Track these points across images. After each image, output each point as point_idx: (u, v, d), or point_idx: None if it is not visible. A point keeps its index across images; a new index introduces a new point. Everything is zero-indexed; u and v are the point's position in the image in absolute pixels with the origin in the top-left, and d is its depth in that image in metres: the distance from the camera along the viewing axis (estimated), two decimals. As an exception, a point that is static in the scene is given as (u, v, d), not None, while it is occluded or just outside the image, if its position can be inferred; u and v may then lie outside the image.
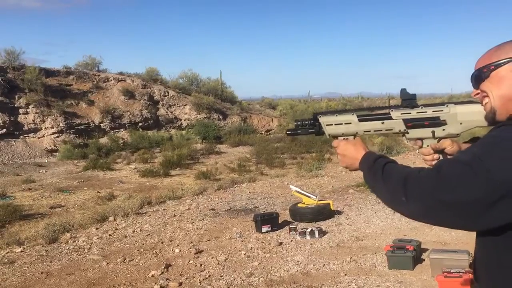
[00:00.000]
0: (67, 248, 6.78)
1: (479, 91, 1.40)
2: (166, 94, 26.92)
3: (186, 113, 26.77)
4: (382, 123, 1.65)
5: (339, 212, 7.94)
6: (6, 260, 6.28)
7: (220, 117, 27.18)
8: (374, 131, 1.69)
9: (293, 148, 19.17)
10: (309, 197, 7.83)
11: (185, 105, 26.94)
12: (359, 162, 1.56)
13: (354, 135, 1.69)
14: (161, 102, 26.46)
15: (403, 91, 1.63)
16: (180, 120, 26.60)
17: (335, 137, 1.72)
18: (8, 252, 6.67)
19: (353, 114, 1.70)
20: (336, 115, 1.72)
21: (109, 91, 25.31)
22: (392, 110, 1.64)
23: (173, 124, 26.25)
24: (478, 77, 1.38)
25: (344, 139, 1.69)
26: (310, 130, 1.79)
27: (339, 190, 10.13)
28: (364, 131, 1.69)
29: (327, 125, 1.72)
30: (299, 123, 1.82)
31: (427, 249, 5.60)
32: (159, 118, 25.85)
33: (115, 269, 5.77)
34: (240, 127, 25.94)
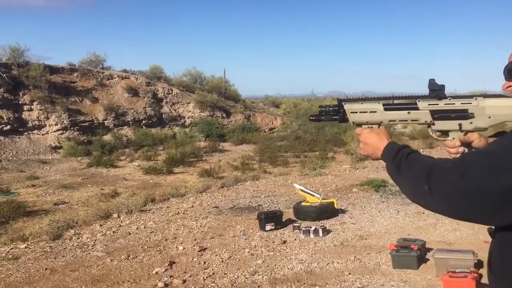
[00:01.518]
0: (71, 244, 6.79)
1: (511, 83, 1.38)
2: (170, 91, 26.94)
3: (189, 111, 26.78)
4: (408, 113, 1.61)
5: (343, 211, 7.93)
6: (11, 256, 6.30)
7: (224, 115, 27.18)
8: (400, 120, 1.65)
9: (296, 147, 19.16)
10: (313, 195, 7.81)
11: (189, 103, 26.95)
12: (381, 152, 1.52)
13: (379, 124, 1.65)
14: (164, 100, 26.48)
15: (431, 81, 1.58)
16: (184, 118, 26.61)
17: (359, 125, 1.67)
18: (13, 248, 6.69)
19: (378, 102, 1.66)
20: (362, 103, 1.67)
21: (113, 88, 25.34)
22: (419, 101, 1.60)
23: (176, 122, 26.27)
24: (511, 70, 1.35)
25: (368, 127, 1.65)
26: (334, 117, 1.75)
27: (343, 188, 10.11)
28: (389, 121, 1.65)
29: (351, 112, 1.67)
30: (323, 109, 1.78)
31: (431, 249, 5.58)
32: (163, 115, 25.88)
33: (119, 266, 5.77)
34: (243, 125, 25.93)
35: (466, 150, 1.57)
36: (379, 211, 7.87)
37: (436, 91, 1.58)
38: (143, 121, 24.65)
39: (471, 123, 1.54)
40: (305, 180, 11.66)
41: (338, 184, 10.83)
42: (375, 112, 1.65)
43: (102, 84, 25.11)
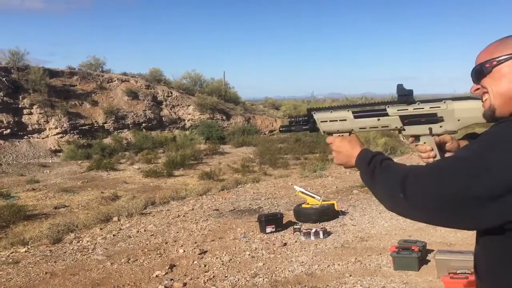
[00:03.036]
0: (71, 248, 6.78)
1: (479, 86, 1.36)
2: (170, 94, 26.95)
3: (189, 114, 26.78)
4: (378, 119, 1.61)
5: (343, 213, 7.92)
6: (11, 260, 6.29)
7: (224, 117, 27.18)
8: (370, 128, 1.65)
9: (296, 149, 19.14)
10: (313, 197, 7.81)
11: (189, 105, 26.96)
12: (355, 160, 1.51)
13: (350, 132, 1.65)
14: (164, 103, 26.48)
15: (399, 86, 1.58)
16: (184, 120, 26.61)
17: (330, 133, 1.67)
18: (13, 252, 6.68)
19: (348, 110, 1.65)
20: (331, 112, 1.67)
21: (112, 91, 25.34)
22: (388, 107, 1.60)
23: (176, 124, 26.26)
24: (479, 72, 1.33)
25: (339, 135, 1.64)
26: (304, 127, 1.75)
27: (343, 190, 10.10)
28: (360, 128, 1.64)
29: (321, 121, 1.68)
30: (292, 119, 1.77)
31: (432, 250, 5.57)
32: (163, 118, 25.87)
33: (119, 269, 5.76)
34: (243, 127, 25.92)
35: (438, 154, 1.57)
36: (380, 213, 7.86)
37: (405, 95, 1.58)
38: (143, 124, 24.65)
39: (441, 126, 1.55)
40: (305, 182, 11.65)
41: (338, 186, 10.82)
42: (345, 120, 1.65)
43: (102, 87, 25.11)
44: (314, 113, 1.70)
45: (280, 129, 1.86)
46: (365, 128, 1.64)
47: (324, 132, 1.69)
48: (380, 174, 1.35)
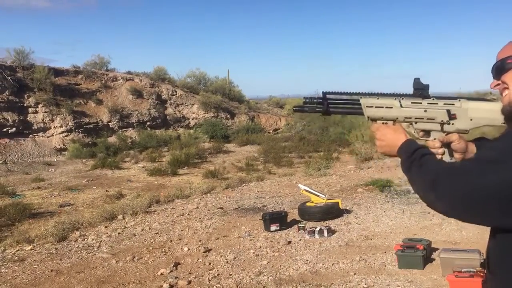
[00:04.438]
0: (77, 246, 6.81)
1: (499, 82, 1.37)
2: (174, 93, 26.98)
3: (194, 112, 26.81)
4: (425, 111, 1.59)
5: (348, 211, 7.91)
6: (16, 258, 6.33)
7: (228, 116, 27.19)
8: (415, 118, 1.63)
9: (301, 147, 19.13)
10: (317, 196, 7.80)
11: (193, 104, 26.98)
12: (398, 149, 1.52)
13: (394, 120, 1.64)
14: (169, 101, 26.52)
15: (416, 80, 1.59)
16: (188, 119, 26.64)
17: (374, 120, 1.67)
18: (18, 250, 6.71)
19: (395, 99, 1.64)
20: (378, 98, 1.66)
21: (117, 90, 25.40)
22: (402, 99, 1.61)
23: (181, 123, 26.30)
24: (500, 68, 1.34)
25: (383, 123, 1.64)
26: (317, 109, 1.75)
27: (348, 189, 10.09)
28: (405, 118, 1.63)
29: (367, 106, 1.67)
30: (307, 100, 1.78)
31: (437, 249, 5.56)
32: (167, 117, 25.91)
33: (124, 267, 5.78)
34: (247, 126, 25.92)
35: (446, 151, 1.57)
36: (384, 211, 7.84)
37: (420, 90, 1.59)
38: (148, 123, 24.70)
39: (452, 124, 1.55)
40: (309, 180, 11.64)
41: (343, 184, 10.81)
42: (391, 108, 1.64)
43: (107, 86, 25.17)
44: (361, 97, 1.69)
45: (294, 108, 1.88)
46: (411, 118, 1.63)
47: (368, 117, 1.68)
48: (417, 170, 1.38)
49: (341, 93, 1.72)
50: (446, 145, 1.58)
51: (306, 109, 1.79)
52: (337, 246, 6.22)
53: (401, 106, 1.61)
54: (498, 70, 1.36)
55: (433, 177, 1.29)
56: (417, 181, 1.37)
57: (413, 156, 1.42)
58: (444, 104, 1.55)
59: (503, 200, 1.17)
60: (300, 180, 11.72)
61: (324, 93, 1.74)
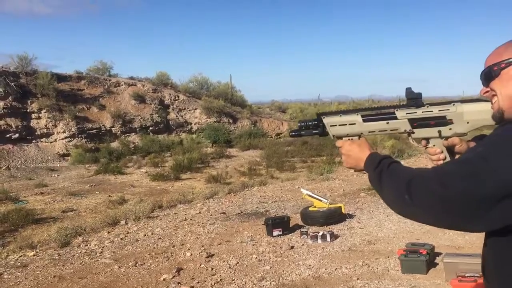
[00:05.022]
0: (79, 251, 6.81)
1: (488, 89, 1.37)
2: (177, 98, 27.04)
3: (196, 117, 26.85)
4: (387, 123, 1.63)
5: (350, 216, 7.89)
6: (19, 263, 6.33)
7: (230, 120, 27.22)
8: (379, 131, 1.66)
9: (303, 152, 19.12)
10: (320, 200, 7.78)
11: (195, 109, 27.03)
12: (364, 163, 1.53)
13: (359, 135, 1.66)
14: (171, 106, 26.58)
15: (408, 90, 1.60)
16: (190, 124, 26.69)
17: (340, 137, 1.69)
18: (21, 255, 6.72)
19: (357, 114, 1.67)
20: (340, 116, 1.69)
21: (120, 95, 25.48)
22: (397, 110, 1.62)
23: (183, 128, 26.34)
24: (488, 75, 1.34)
25: (348, 139, 1.66)
26: (314, 131, 1.77)
27: (351, 193, 10.07)
28: (369, 132, 1.66)
29: (331, 126, 1.70)
30: (302, 124, 1.80)
31: (440, 253, 5.53)
32: (170, 122, 25.96)
33: (127, 272, 5.78)
34: (250, 130, 25.94)
35: (448, 156, 1.57)
36: (387, 216, 7.82)
37: (414, 99, 1.60)
38: (150, 128, 24.75)
39: (450, 129, 1.56)
40: (312, 185, 11.63)
41: (345, 188, 10.79)
42: (354, 124, 1.67)
43: (109, 91, 25.25)
44: (324, 117, 1.72)
45: (290, 133, 1.88)
46: (374, 131, 1.66)
47: (333, 136, 1.71)
48: (387, 177, 1.37)
49: (336, 113, 1.73)
50: (448, 149, 1.58)
51: (303, 133, 1.81)
52: (340, 251, 6.20)
53: (397, 117, 1.62)
54: (486, 77, 1.35)
55: (407, 181, 1.27)
56: (390, 188, 1.35)
57: (380, 167, 1.41)
58: (439, 110, 1.56)
59: (474, 203, 1.15)
60: (303, 184, 11.71)
61: (318, 115, 1.75)
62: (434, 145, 1.60)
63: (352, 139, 1.66)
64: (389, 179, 1.36)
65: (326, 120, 1.70)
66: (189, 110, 27.02)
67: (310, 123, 1.77)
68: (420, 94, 1.60)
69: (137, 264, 6.04)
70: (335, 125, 1.69)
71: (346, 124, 1.67)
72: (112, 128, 23.39)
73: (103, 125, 23.21)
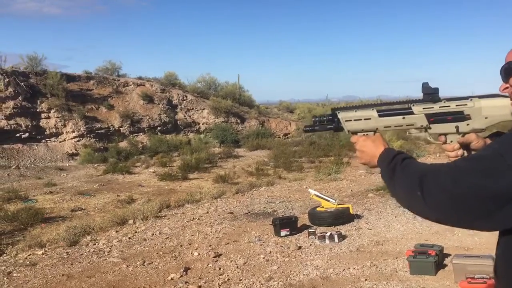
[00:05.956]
0: (88, 250, 6.84)
1: (508, 85, 1.35)
2: (185, 98, 27.10)
3: (204, 117, 26.90)
4: (403, 118, 1.60)
5: (358, 216, 7.85)
6: (28, 262, 6.37)
7: (238, 121, 27.23)
8: (395, 126, 1.63)
9: (311, 152, 19.07)
10: (328, 201, 7.76)
11: (203, 109, 27.08)
12: (377, 158, 1.51)
13: (374, 131, 1.64)
14: (179, 106, 26.65)
15: (425, 85, 1.57)
16: (198, 124, 26.74)
17: (355, 133, 1.66)
18: (30, 254, 6.77)
19: (373, 109, 1.65)
20: (356, 111, 1.66)
21: (128, 95, 25.59)
22: (413, 105, 1.59)
23: (191, 128, 26.40)
24: (509, 70, 1.33)
25: (363, 135, 1.64)
26: (328, 126, 1.74)
27: (359, 194, 10.03)
28: (384, 127, 1.63)
29: (346, 121, 1.67)
30: (317, 119, 1.77)
31: (449, 254, 5.49)
32: (178, 122, 26.03)
33: (134, 272, 5.80)
34: (258, 131, 25.93)
35: (465, 153, 1.55)
36: (396, 216, 7.78)
37: (430, 94, 1.57)
38: (158, 128, 24.83)
39: (468, 124, 1.53)
40: (320, 185, 11.60)
41: (353, 189, 10.75)
42: (370, 119, 1.64)
43: (118, 91, 25.38)
44: (339, 112, 1.69)
45: (304, 129, 1.85)
46: (390, 126, 1.63)
47: (348, 131, 1.68)
48: (400, 172, 1.35)
49: (351, 108, 1.71)
50: (465, 146, 1.56)
51: (317, 128, 1.78)
52: (347, 252, 6.17)
53: (413, 112, 1.59)
54: (506, 72, 1.34)
55: (420, 176, 1.25)
56: (402, 183, 1.33)
57: (393, 162, 1.39)
58: (456, 105, 1.53)
59: (486, 200, 1.13)
60: (311, 185, 11.68)
61: (333, 110, 1.73)
62: (451, 141, 1.57)
63: (367, 134, 1.63)
64: (402, 174, 1.34)
65: (341, 115, 1.68)
66: (197, 110, 27.07)
67: (325, 118, 1.75)
68: (437, 89, 1.57)
69: (145, 263, 6.06)
70: (350, 120, 1.66)
71: (361, 119, 1.65)
72: (121, 128, 23.50)
73: (111, 125, 23.33)
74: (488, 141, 1.56)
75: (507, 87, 1.36)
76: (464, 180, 1.16)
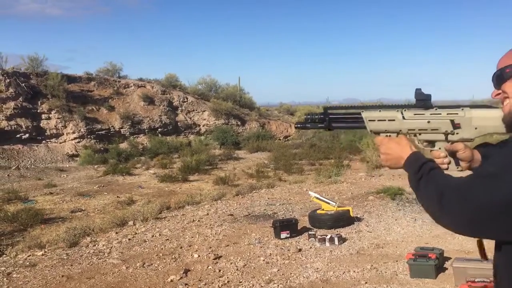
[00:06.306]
0: (87, 252, 6.84)
1: (500, 91, 1.35)
2: (185, 100, 27.12)
3: (204, 119, 26.91)
4: (428, 122, 1.58)
5: (359, 219, 7.85)
6: (28, 263, 6.37)
7: (239, 123, 27.24)
8: (419, 130, 1.61)
9: (311, 154, 19.07)
10: (328, 203, 7.75)
11: (204, 111, 27.09)
12: (404, 162, 1.50)
13: (397, 132, 1.63)
14: (180, 108, 26.66)
15: (418, 91, 1.57)
16: (199, 125, 26.75)
17: (377, 133, 1.65)
18: (30, 255, 6.76)
19: (397, 110, 1.63)
20: (380, 111, 1.65)
21: (129, 97, 25.61)
22: (405, 110, 1.59)
23: (191, 129, 26.41)
24: (500, 77, 1.33)
25: (386, 135, 1.63)
26: (319, 125, 1.74)
27: (359, 196, 10.02)
28: (409, 130, 1.61)
29: (369, 120, 1.66)
30: (308, 116, 1.77)
31: (449, 258, 5.49)
32: (178, 123, 26.04)
33: (134, 273, 5.79)
34: (258, 133, 25.93)
35: (452, 161, 1.55)
36: (396, 219, 7.77)
37: (423, 100, 1.57)
38: (159, 129, 24.84)
39: (457, 133, 1.53)
40: (320, 188, 11.59)
41: (353, 192, 10.74)
42: (394, 120, 1.63)
43: (119, 92, 25.40)
44: (363, 111, 1.68)
45: (296, 125, 1.86)
46: (414, 130, 1.61)
47: (371, 131, 1.67)
48: (425, 183, 1.36)
49: (343, 108, 1.71)
50: (452, 154, 1.56)
51: (308, 125, 1.78)
52: (348, 254, 6.17)
53: (403, 118, 1.59)
54: (498, 79, 1.34)
55: (440, 193, 1.27)
56: (425, 196, 1.35)
57: (421, 171, 1.39)
58: (448, 114, 1.53)
59: (507, 215, 1.16)
60: (311, 187, 11.67)
61: (326, 109, 1.73)
62: (439, 148, 1.57)
63: (390, 135, 1.63)
64: (426, 187, 1.35)
65: (365, 114, 1.66)
66: (198, 112, 27.09)
67: (317, 116, 1.75)
68: (429, 95, 1.57)
69: (144, 265, 6.05)
70: (374, 120, 1.65)
71: (385, 120, 1.63)
72: (121, 129, 23.52)
73: (112, 126, 23.35)
74: (475, 152, 1.56)
75: (499, 93, 1.37)
76: (481, 198, 1.19)
